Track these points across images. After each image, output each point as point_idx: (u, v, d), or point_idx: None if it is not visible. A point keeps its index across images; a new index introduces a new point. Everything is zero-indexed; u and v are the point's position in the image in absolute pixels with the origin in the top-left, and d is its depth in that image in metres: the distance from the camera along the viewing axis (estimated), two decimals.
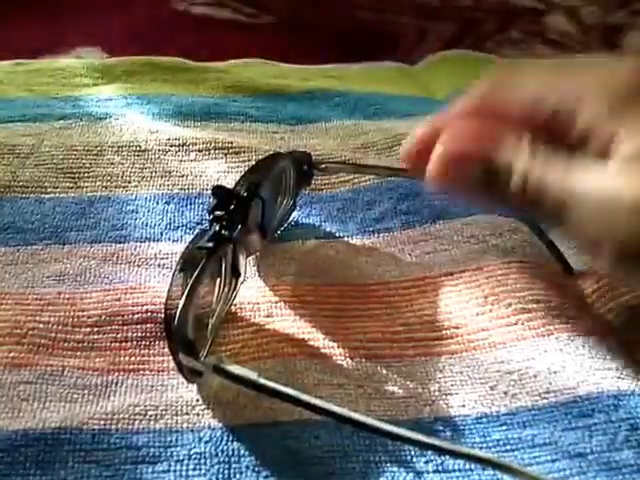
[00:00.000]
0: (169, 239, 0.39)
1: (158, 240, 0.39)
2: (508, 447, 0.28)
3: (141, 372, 0.31)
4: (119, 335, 0.33)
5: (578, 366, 0.31)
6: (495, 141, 0.25)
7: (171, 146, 0.45)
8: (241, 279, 0.33)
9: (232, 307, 0.34)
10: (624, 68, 0.25)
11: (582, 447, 0.28)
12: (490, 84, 0.28)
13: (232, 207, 0.32)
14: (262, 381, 0.27)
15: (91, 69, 0.54)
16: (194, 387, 0.30)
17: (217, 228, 0.31)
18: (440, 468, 0.28)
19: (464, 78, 0.57)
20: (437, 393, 0.31)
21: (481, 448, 0.28)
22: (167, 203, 0.42)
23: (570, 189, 0.24)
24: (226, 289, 0.33)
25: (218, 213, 0.32)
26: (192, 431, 0.29)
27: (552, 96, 0.26)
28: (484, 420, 0.29)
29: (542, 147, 0.25)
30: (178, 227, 0.40)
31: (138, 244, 0.38)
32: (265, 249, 0.37)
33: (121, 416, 0.29)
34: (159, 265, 0.37)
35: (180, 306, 0.28)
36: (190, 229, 0.40)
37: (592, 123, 0.25)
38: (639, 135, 0.24)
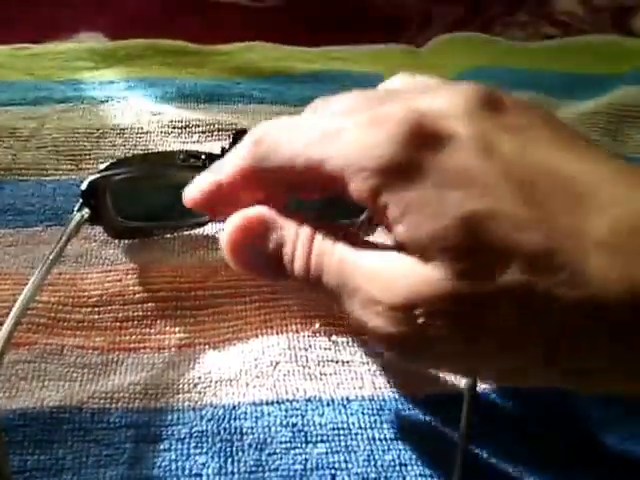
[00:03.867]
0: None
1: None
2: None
3: (141, 350, 0.30)
4: (120, 314, 0.32)
5: None
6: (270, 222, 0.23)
7: (173, 128, 0.45)
8: None
9: (235, 283, 0.33)
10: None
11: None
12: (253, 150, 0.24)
13: None
14: None
15: (93, 52, 0.53)
16: (196, 365, 0.30)
17: None
18: (447, 445, 0.27)
19: (471, 60, 0.56)
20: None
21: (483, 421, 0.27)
22: None
23: (344, 271, 0.22)
24: None
25: None
26: (193, 409, 0.28)
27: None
28: (492, 396, 0.29)
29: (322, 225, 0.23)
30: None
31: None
32: None
33: (121, 395, 0.28)
34: (161, 248, 0.36)
35: None
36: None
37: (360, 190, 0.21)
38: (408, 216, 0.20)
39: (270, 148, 0.23)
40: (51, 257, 0.30)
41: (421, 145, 0.20)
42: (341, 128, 0.22)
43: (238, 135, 0.28)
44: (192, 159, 0.33)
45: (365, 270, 0.22)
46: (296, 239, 0.23)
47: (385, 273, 0.21)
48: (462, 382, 0.29)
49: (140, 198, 0.35)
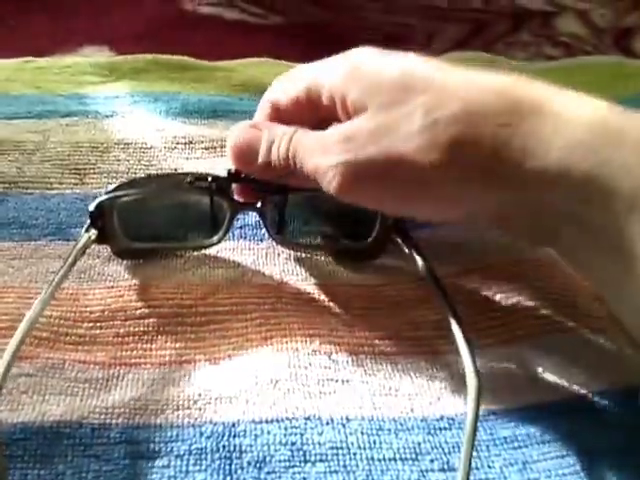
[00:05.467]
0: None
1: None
2: (516, 444, 0.28)
3: (142, 366, 0.31)
4: (121, 330, 0.32)
5: (588, 362, 0.30)
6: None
7: (177, 144, 0.45)
8: None
9: (237, 300, 0.34)
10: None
11: (591, 443, 0.27)
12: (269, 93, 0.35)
13: None
14: None
15: (98, 67, 0.53)
16: (196, 382, 0.30)
17: None
18: (445, 467, 0.27)
19: None
20: (443, 390, 0.30)
21: (488, 445, 0.28)
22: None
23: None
24: None
25: None
26: (193, 426, 0.28)
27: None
28: (491, 417, 0.29)
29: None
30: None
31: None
32: (271, 247, 0.37)
33: (122, 410, 0.29)
34: (164, 265, 0.36)
35: None
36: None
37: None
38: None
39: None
40: (57, 277, 0.31)
41: None
42: None
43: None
44: (199, 181, 0.34)
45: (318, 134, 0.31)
46: (282, 135, 0.32)
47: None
48: (461, 403, 0.29)
49: (147, 220, 0.35)
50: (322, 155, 0.30)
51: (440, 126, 0.27)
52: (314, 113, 0.33)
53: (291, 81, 0.34)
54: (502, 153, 0.26)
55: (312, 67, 0.33)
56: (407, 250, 0.34)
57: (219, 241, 0.35)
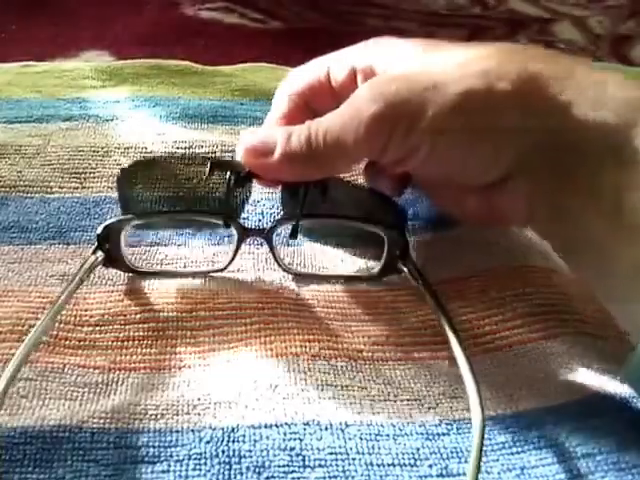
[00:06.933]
0: (174, 244, 0.39)
1: (165, 245, 0.38)
2: (514, 449, 0.28)
3: (142, 370, 0.31)
4: (121, 334, 0.32)
5: (585, 368, 0.31)
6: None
7: (177, 148, 0.45)
8: None
9: (237, 305, 0.34)
10: None
11: (590, 448, 0.27)
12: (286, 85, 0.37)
13: None
14: None
15: (99, 71, 0.54)
16: (196, 386, 0.30)
17: None
18: (444, 472, 0.27)
19: None
20: (442, 396, 0.30)
21: (486, 451, 0.28)
22: (173, 205, 0.41)
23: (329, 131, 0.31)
24: None
25: None
26: (192, 431, 0.28)
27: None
28: (489, 423, 0.29)
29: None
30: (183, 232, 0.39)
31: (147, 248, 0.38)
32: (271, 252, 0.37)
33: (121, 415, 0.29)
34: (164, 273, 0.36)
35: None
36: (195, 233, 0.39)
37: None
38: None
39: None
40: (62, 298, 0.31)
41: None
42: None
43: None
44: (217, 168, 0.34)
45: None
46: (300, 126, 0.31)
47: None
48: (460, 409, 0.30)
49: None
50: (350, 112, 0.30)
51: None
52: (331, 98, 0.33)
53: (306, 68, 0.35)
54: (553, 100, 0.28)
55: (327, 56, 0.35)
56: (414, 282, 0.35)
57: (225, 268, 0.36)
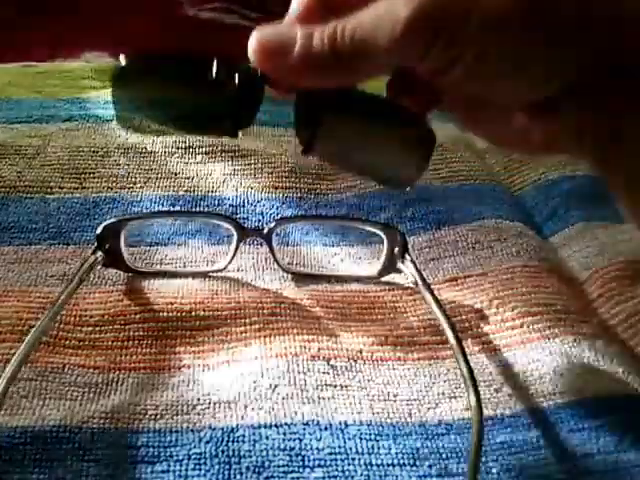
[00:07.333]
0: (174, 243, 0.39)
1: (165, 245, 0.38)
2: (513, 449, 0.28)
3: (142, 370, 0.31)
4: (121, 334, 0.32)
5: (583, 368, 0.31)
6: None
7: (177, 148, 0.45)
8: None
9: (236, 305, 0.34)
10: None
11: (588, 448, 0.27)
12: None
13: None
14: None
15: (99, 72, 0.54)
16: (195, 387, 0.30)
17: None
18: (443, 472, 0.27)
19: None
20: (441, 396, 0.30)
21: (486, 451, 0.28)
22: (172, 205, 0.42)
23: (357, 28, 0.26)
24: None
25: None
26: (192, 431, 0.28)
27: None
28: (489, 422, 0.29)
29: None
30: (183, 232, 0.39)
31: (147, 248, 0.38)
32: (271, 252, 0.37)
33: (121, 415, 0.29)
34: (164, 273, 0.36)
35: None
36: (194, 233, 0.39)
37: None
38: None
39: None
40: (62, 298, 0.31)
41: None
42: None
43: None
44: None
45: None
46: (324, 26, 0.26)
47: None
48: (459, 408, 0.30)
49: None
50: (385, 7, 0.25)
51: None
52: None
53: None
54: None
55: None
56: (413, 281, 0.35)
57: (225, 268, 0.36)
